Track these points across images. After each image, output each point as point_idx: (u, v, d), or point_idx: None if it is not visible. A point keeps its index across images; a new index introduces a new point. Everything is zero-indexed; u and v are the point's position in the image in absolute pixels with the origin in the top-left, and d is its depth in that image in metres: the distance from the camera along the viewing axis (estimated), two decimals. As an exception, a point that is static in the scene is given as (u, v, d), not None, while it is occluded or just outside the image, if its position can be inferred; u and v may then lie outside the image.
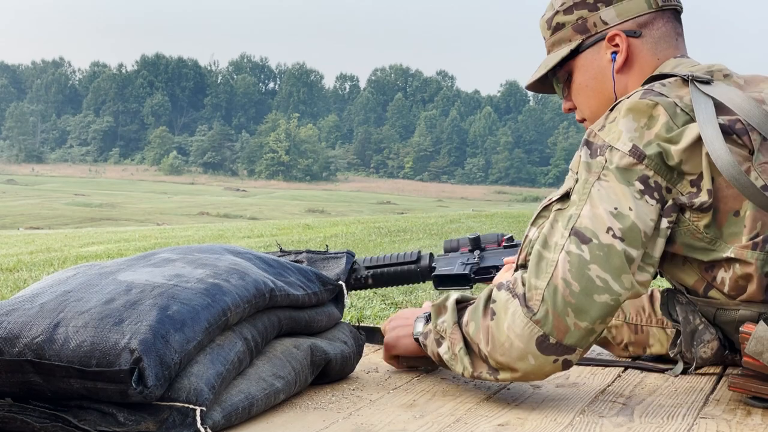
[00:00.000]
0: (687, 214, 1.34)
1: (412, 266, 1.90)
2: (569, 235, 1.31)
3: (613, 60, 1.51)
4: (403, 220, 13.84)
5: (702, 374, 1.60)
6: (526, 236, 1.39)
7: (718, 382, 1.55)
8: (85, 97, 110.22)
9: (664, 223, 1.33)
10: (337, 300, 1.64)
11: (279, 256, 1.75)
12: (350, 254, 1.81)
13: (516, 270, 1.38)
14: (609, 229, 1.30)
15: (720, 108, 1.34)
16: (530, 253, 1.35)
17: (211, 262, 1.41)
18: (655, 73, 1.47)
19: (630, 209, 1.30)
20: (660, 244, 1.33)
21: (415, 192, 79.84)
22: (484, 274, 1.79)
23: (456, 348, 1.40)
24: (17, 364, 1.17)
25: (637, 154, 1.31)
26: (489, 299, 1.36)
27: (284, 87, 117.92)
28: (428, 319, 1.51)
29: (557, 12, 1.57)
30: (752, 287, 1.35)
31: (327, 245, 2.07)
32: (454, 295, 1.45)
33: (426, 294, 4.07)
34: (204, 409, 1.17)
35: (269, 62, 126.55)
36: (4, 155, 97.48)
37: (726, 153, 1.28)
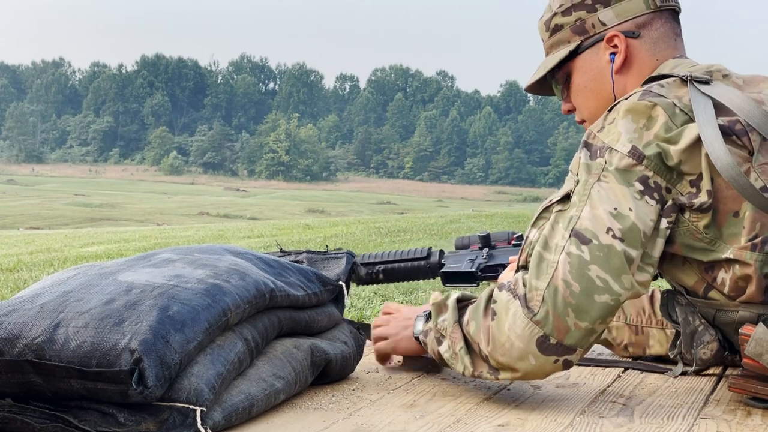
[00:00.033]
0: (686, 215, 1.34)
1: (422, 262, 1.92)
2: (569, 236, 1.31)
3: (612, 61, 1.51)
4: (403, 221, 13.84)
5: (702, 375, 1.60)
6: (527, 237, 1.39)
7: (718, 382, 1.55)
8: (85, 97, 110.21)
9: (664, 223, 1.33)
10: (338, 300, 1.64)
11: (279, 257, 1.75)
12: (350, 254, 1.81)
13: (517, 271, 1.38)
14: (609, 229, 1.30)
15: (719, 108, 1.34)
16: (531, 254, 1.35)
17: (212, 262, 1.41)
18: (654, 74, 1.47)
19: (630, 210, 1.30)
20: (659, 244, 1.33)
21: (415, 192, 79.85)
22: (492, 272, 1.79)
23: (456, 347, 1.40)
24: (17, 365, 1.17)
25: (637, 155, 1.31)
26: (490, 299, 1.36)
27: (284, 87, 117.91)
28: (428, 317, 1.51)
29: (555, 14, 1.57)
30: (751, 288, 1.35)
31: (327, 245, 2.08)
32: (455, 293, 1.46)
33: (426, 294, 4.07)
34: (204, 409, 1.17)
35: (269, 62, 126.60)
36: (4, 155, 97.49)
37: (725, 154, 1.28)
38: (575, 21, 1.54)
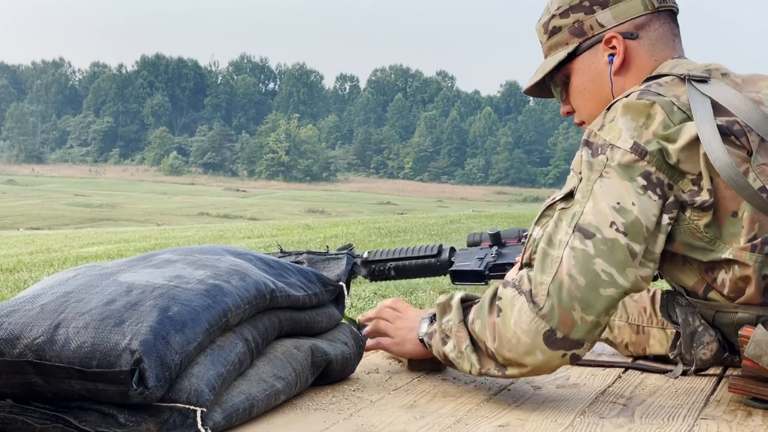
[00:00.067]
0: (688, 213, 1.34)
1: (432, 260, 1.92)
2: (573, 231, 1.31)
3: (611, 62, 1.52)
4: (403, 221, 13.84)
5: (702, 375, 1.60)
6: (530, 235, 1.39)
7: (718, 383, 1.55)
8: (85, 97, 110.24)
9: (665, 219, 1.33)
10: (338, 301, 1.64)
11: (279, 257, 1.75)
12: (350, 255, 1.81)
13: (520, 269, 1.38)
14: (612, 223, 1.30)
15: (717, 108, 1.34)
16: (535, 251, 1.35)
17: (212, 263, 1.41)
18: (652, 74, 1.47)
19: (633, 204, 1.31)
20: (661, 240, 1.33)
21: (415, 192, 79.85)
22: (500, 271, 1.78)
23: (462, 346, 1.39)
24: (18, 365, 1.17)
25: (639, 151, 1.32)
26: (494, 297, 1.36)
27: (284, 87, 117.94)
28: (432, 319, 1.51)
29: (553, 16, 1.57)
30: (750, 289, 1.35)
31: (327, 246, 2.08)
32: (459, 293, 1.45)
33: (426, 294, 4.07)
34: (205, 410, 1.17)
35: (269, 63, 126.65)
36: (4, 156, 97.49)
37: (724, 154, 1.29)
38: (573, 23, 1.54)
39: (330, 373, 1.52)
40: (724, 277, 1.37)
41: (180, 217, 37.78)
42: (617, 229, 1.30)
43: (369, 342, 1.68)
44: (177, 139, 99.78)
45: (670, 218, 1.33)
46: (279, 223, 15.39)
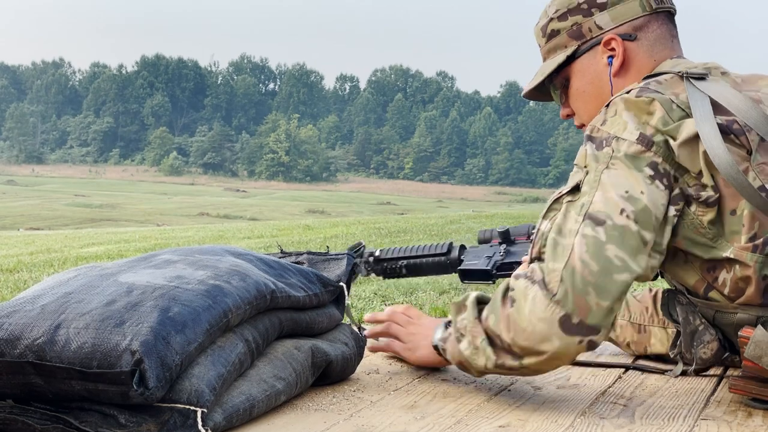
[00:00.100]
0: (693, 207, 1.34)
1: (442, 258, 1.93)
2: (583, 219, 1.31)
3: (610, 64, 1.52)
4: (403, 221, 13.84)
5: (703, 376, 1.60)
6: (539, 229, 1.38)
7: (718, 383, 1.55)
8: (85, 97, 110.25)
9: (672, 211, 1.33)
10: (338, 301, 1.64)
11: (280, 258, 1.75)
12: (351, 255, 1.81)
13: (530, 263, 1.37)
14: (622, 210, 1.30)
15: (717, 107, 1.35)
16: (545, 245, 1.33)
17: (212, 263, 1.41)
18: (651, 73, 1.48)
19: (642, 193, 1.30)
20: (667, 232, 1.33)
21: (415, 193, 79.86)
22: (508, 269, 1.78)
23: (477, 341, 1.37)
24: (18, 366, 1.17)
25: (646, 142, 1.32)
26: (507, 290, 1.34)
27: (284, 88, 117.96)
28: (447, 326, 1.50)
29: (551, 19, 1.58)
30: (750, 290, 1.35)
31: (328, 246, 2.08)
32: (474, 293, 1.44)
33: (426, 295, 4.07)
34: (205, 410, 1.17)
35: (269, 63, 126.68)
36: (4, 156, 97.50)
37: (724, 152, 1.29)
38: (572, 25, 1.55)
39: (330, 374, 1.52)
40: (724, 276, 1.37)
41: (180, 218, 37.78)
42: (628, 216, 1.29)
43: (379, 343, 1.67)
44: (177, 139, 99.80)
45: (676, 210, 1.33)
46: (279, 224, 15.40)
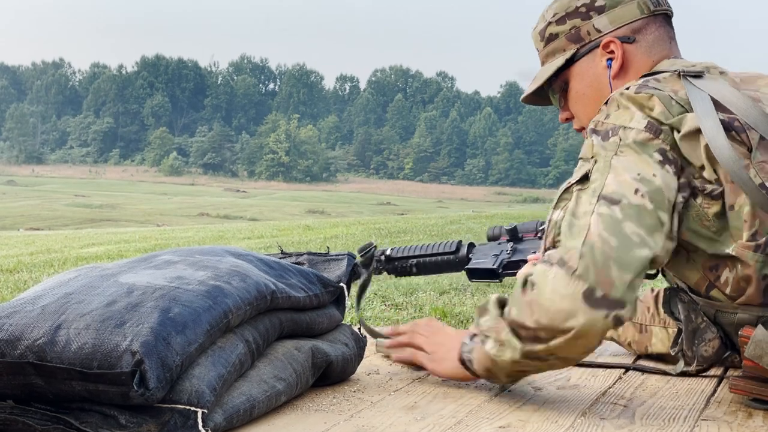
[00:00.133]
0: (699, 200, 1.34)
1: (451, 256, 1.93)
2: (597, 200, 1.29)
3: (609, 66, 1.53)
4: (403, 221, 13.84)
5: (703, 376, 1.60)
6: (550, 220, 1.37)
7: (719, 384, 1.55)
8: (85, 98, 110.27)
9: (679, 197, 1.33)
10: (338, 302, 1.64)
11: (280, 258, 1.75)
12: (351, 256, 1.81)
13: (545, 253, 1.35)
14: (637, 190, 1.29)
15: (717, 105, 1.36)
16: (559, 233, 1.32)
17: (213, 264, 1.41)
18: (649, 72, 1.48)
19: (654, 175, 1.30)
20: (676, 220, 1.33)
21: (415, 193, 79.88)
22: (514, 268, 1.77)
23: (501, 335, 1.34)
24: (19, 367, 1.17)
25: (653, 129, 1.33)
26: (525, 280, 1.32)
27: (284, 88, 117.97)
28: (472, 338, 1.45)
29: (549, 23, 1.58)
30: (751, 289, 1.35)
31: (328, 247, 2.08)
32: (495, 295, 1.43)
33: (426, 295, 4.07)
34: (205, 411, 1.17)
35: (269, 63, 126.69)
36: (5, 156, 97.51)
37: (728, 147, 1.30)
38: (570, 29, 1.56)
39: (330, 374, 1.52)
40: (726, 275, 1.37)
41: (180, 218, 37.77)
42: (642, 196, 1.28)
43: (403, 353, 1.61)
44: (177, 139, 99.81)
45: (683, 197, 1.33)
46: (279, 224, 15.39)
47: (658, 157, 1.32)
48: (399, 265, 2.00)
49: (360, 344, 1.63)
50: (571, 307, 1.24)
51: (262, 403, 1.31)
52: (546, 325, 1.27)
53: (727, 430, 1.28)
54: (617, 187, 1.29)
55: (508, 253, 1.81)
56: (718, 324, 1.45)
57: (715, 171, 1.32)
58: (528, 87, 1.65)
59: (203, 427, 1.16)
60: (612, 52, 1.52)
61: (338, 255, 1.77)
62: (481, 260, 1.84)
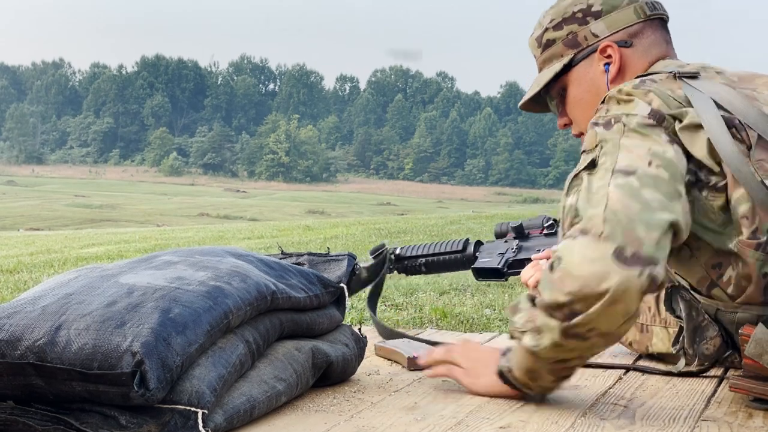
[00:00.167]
0: (704, 192, 1.34)
1: (459, 255, 1.94)
2: (611, 174, 1.28)
3: (607, 71, 1.54)
4: (403, 222, 13.83)
5: (703, 377, 1.60)
6: (564, 206, 1.34)
7: (719, 384, 1.55)
8: (85, 98, 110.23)
9: (687, 178, 1.33)
10: (339, 302, 1.64)
11: (280, 259, 1.75)
12: (351, 256, 1.81)
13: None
14: (650, 162, 1.28)
15: (715, 104, 1.36)
16: (576, 215, 1.28)
17: (213, 264, 1.41)
18: (645, 73, 1.49)
19: (664, 151, 1.30)
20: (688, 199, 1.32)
21: (415, 193, 79.85)
22: (518, 267, 1.77)
23: (537, 321, 1.29)
24: (19, 367, 1.17)
25: (657, 117, 1.33)
26: (552, 261, 1.28)
27: (284, 88, 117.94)
28: (506, 352, 1.43)
29: (546, 29, 1.60)
30: (751, 288, 1.36)
31: (328, 247, 2.09)
32: (526, 293, 1.41)
33: (426, 296, 4.06)
34: (206, 411, 1.17)
35: (269, 63, 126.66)
36: (4, 156, 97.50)
37: (730, 142, 1.31)
38: (567, 35, 1.57)
39: (331, 375, 1.53)
40: (729, 274, 1.37)
41: (180, 218, 37.77)
42: (657, 166, 1.28)
43: (438, 368, 1.54)
44: (177, 139, 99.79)
45: (689, 180, 1.33)
46: (279, 224, 15.39)
47: (665, 137, 1.32)
48: (408, 264, 2.01)
49: (360, 345, 1.63)
50: (602, 268, 1.20)
51: (263, 403, 1.31)
52: (580, 293, 1.22)
53: (728, 430, 1.28)
54: (630, 161, 1.28)
55: (514, 252, 1.80)
56: (719, 322, 1.46)
57: (717, 165, 1.32)
58: (526, 94, 1.66)
59: (203, 427, 1.16)
60: (609, 56, 1.54)
61: (338, 255, 1.77)
62: (487, 259, 1.84)
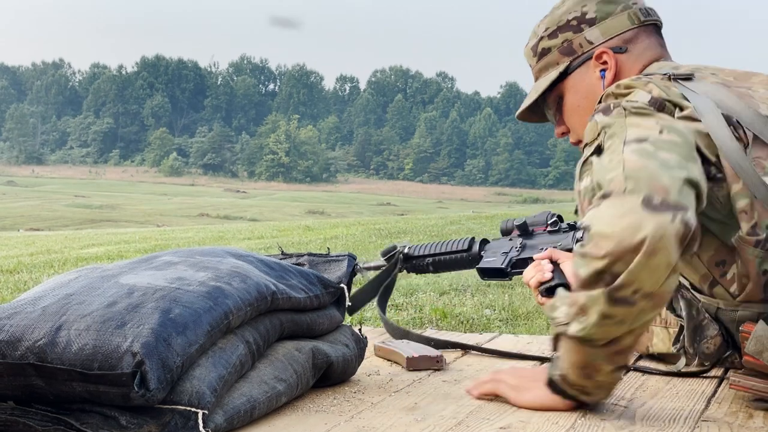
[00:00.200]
0: (709, 184, 1.34)
1: (464, 254, 1.95)
2: (623, 145, 1.25)
3: (603, 77, 1.55)
4: (403, 222, 13.83)
5: (703, 377, 1.60)
6: (579, 190, 1.33)
7: (719, 385, 1.55)
8: (85, 98, 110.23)
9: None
10: (339, 303, 1.64)
11: (280, 259, 1.75)
12: (351, 257, 1.81)
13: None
14: (661, 130, 1.27)
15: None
16: (593, 195, 1.26)
17: (213, 265, 1.41)
18: (640, 74, 1.50)
19: (673, 123, 1.29)
20: None
21: (415, 193, 79.85)
22: (522, 266, 1.76)
23: (580, 299, 1.24)
24: (19, 368, 1.17)
25: (658, 104, 1.33)
26: (581, 237, 1.26)
27: (284, 88, 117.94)
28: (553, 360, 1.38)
29: (541, 38, 1.61)
30: (751, 285, 1.36)
31: (329, 248, 2.09)
32: (560, 289, 1.40)
33: (426, 296, 4.07)
34: (206, 412, 1.17)
35: (269, 64, 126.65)
36: (4, 157, 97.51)
37: (730, 137, 1.31)
38: (562, 42, 1.59)
39: (331, 375, 1.53)
40: (731, 272, 1.37)
41: (180, 218, 37.76)
42: (669, 133, 1.27)
43: (484, 387, 1.47)
44: (177, 140, 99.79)
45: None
46: (279, 224, 15.39)
47: (669, 117, 1.31)
48: (417, 264, 2.02)
49: (360, 345, 1.63)
50: (634, 220, 1.17)
51: (263, 403, 1.31)
52: (617, 250, 1.18)
53: (728, 430, 1.28)
54: (640, 132, 1.27)
55: (518, 251, 1.79)
56: (719, 321, 1.46)
57: (714, 157, 1.33)
58: (523, 103, 1.67)
59: (204, 427, 1.16)
60: (605, 62, 1.55)
61: (339, 256, 1.77)
62: (491, 258, 1.83)
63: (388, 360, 1.79)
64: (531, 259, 1.74)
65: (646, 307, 1.21)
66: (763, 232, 1.32)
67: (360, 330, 1.69)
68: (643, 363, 1.74)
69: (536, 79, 1.64)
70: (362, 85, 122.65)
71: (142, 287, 1.28)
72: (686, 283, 1.49)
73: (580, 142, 1.61)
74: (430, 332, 2.29)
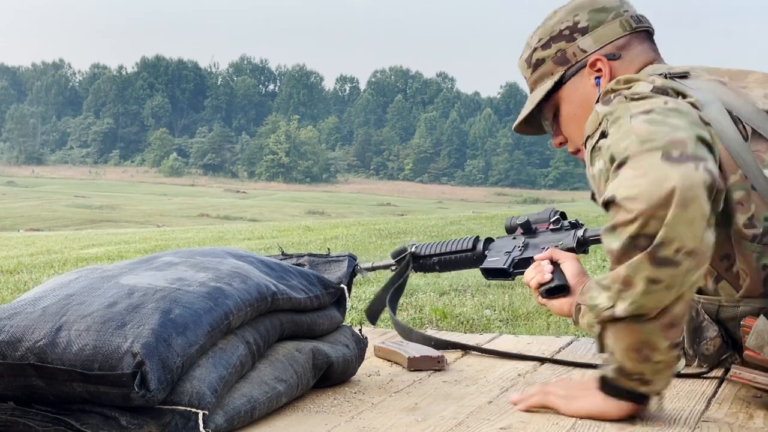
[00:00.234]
0: None
1: (469, 253, 1.95)
2: (630, 118, 1.24)
3: (598, 84, 1.56)
4: (403, 222, 13.83)
5: (704, 378, 1.60)
6: (593, 175, 1.32)
7: (719, 385, 1.55)
8: (86, 98, 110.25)
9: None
10: (339, 303, 1.64)
11: (281, 259, 1.75)
12: (352, 257, 1.81)
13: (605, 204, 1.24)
14: (666, 102, 1.26)
15: None
16: (608, 177, 1.24)
17: (214, 265, 1.42)
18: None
19: (675, 101, 1.27)
20: None
21: (415, 194, 79.85)
22: (524, 266, 1.75)
23: (622, 272, 1.19)
24: (20, 368, 1.17)
25: (661, 91, 1.32)
26: (606, 204, 1.21)
27: (284, 89, 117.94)
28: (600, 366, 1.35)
29: (535, 49, 1.62)
30: (750, 280, 1.36)
31: (329, 248, 2.09)
32: (591, 280, 1.36)
33: (426, 296, 4.07)
34: (206, 412, 1.17)
35: (269, 64, 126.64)
36: (4, 157, 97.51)
37: (733, 129, 1.32)
38: (556, 52, 1.59)
39: (331, 376, 1.53)
40: (736, 266, 1.37)
41: (180, 219, 37.77)
42: (674, 103, 1.25)
43: (532, 399, 1.41)
44: (177, 140, 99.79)
45: None
46: (279, 225, 15.39)
47: (672, 100, 1.28)
48: (424, 263, 2.03)
49: (360, 345, 1.63)
50: (658, 174, 1.15)
51: (263, 404, 1.31)
52: (647, 208, 1.15)
53: (728, 431, 1.28)
54: (646, 105, 1.25)
55: (520, 250, 1.79)
56: (719, 322, 1.46)
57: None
58: (520, 114, 1.67)
59: (204, 428, 1.16)
60: (599, 70, 1.56)
61: (339, 256, 1.77)
62: (494, 258, 1.83)
63: (389, 360, 1.79)
64: (533, 259, 1.73)
65: (691, 266, 1.17)
66: (760, 225, 1.32)
67: (360, 330, 1.69)
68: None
69: (531, 90, 1.65)
70: (362, 86, 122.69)
71: (142, 288, 1.28)
72: None
73: (578, 151, 1.63)
74: (431, 333, 2.29)
